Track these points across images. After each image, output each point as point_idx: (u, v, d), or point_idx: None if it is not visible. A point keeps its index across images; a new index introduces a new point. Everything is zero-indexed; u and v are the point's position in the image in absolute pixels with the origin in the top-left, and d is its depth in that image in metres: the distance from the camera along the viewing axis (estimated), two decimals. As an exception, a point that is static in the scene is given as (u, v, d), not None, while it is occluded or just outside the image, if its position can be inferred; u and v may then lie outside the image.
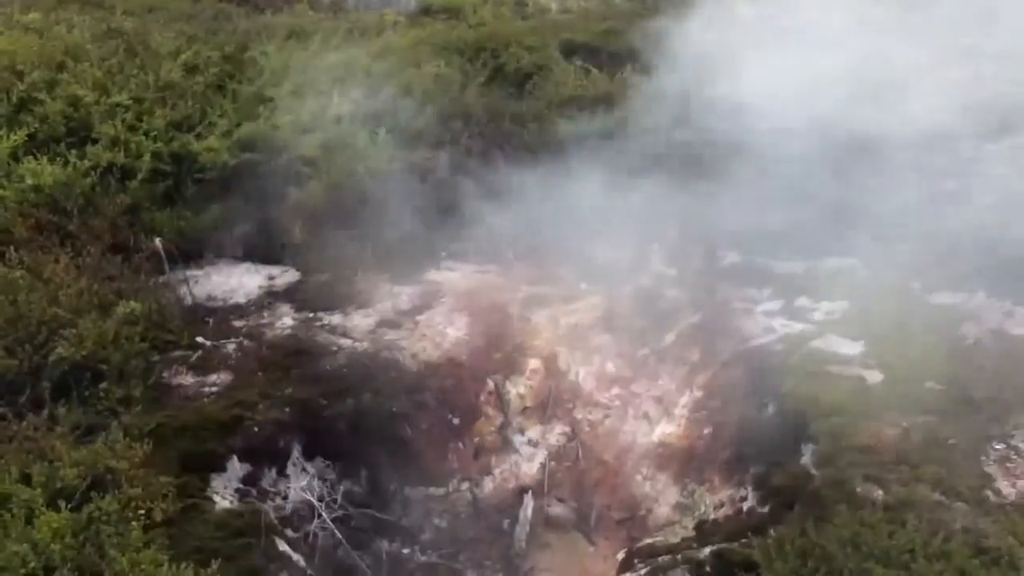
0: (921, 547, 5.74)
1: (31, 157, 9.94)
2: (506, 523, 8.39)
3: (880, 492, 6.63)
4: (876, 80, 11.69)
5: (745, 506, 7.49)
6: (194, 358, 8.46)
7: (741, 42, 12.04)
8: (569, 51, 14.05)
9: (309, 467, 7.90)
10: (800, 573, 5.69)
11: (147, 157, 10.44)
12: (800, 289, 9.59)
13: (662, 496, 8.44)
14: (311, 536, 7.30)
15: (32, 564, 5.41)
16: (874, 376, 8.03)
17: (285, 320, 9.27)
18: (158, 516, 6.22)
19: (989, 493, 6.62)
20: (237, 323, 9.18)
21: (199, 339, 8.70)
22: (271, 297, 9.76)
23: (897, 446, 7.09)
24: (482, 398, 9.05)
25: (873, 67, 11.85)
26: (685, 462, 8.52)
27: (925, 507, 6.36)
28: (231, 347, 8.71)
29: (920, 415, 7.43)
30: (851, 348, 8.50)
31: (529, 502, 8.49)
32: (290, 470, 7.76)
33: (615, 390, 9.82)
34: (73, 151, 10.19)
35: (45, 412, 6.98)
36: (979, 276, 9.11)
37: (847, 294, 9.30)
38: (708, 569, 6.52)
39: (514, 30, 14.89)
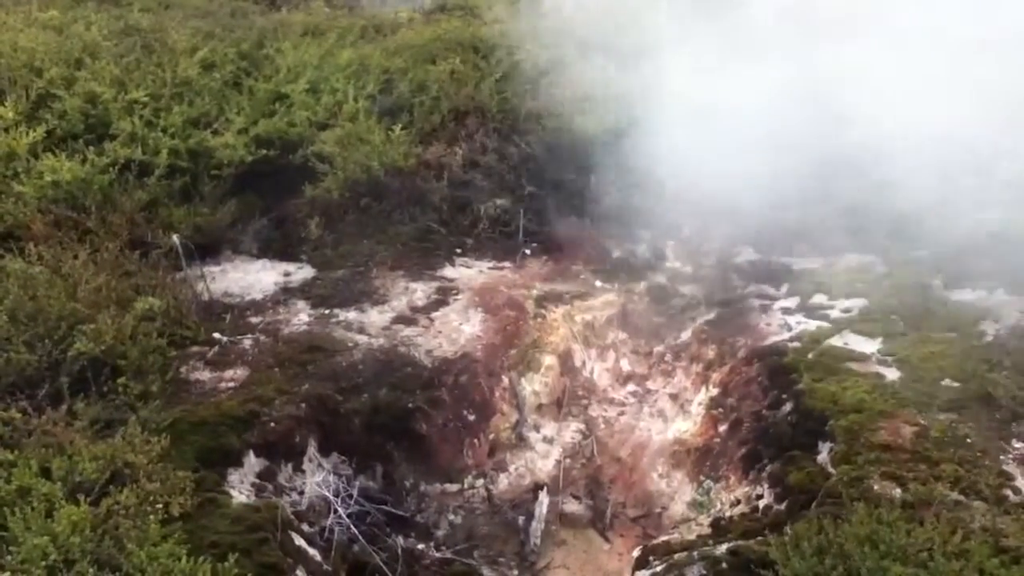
0: (939, 546, 5.69)
1: (50, 153, 9.99)
2: (521, 520, 8.37)
3: (898, 490, 6.60)
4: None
5: (762, 504, 7.46)
6: (211, 354, 8.51)
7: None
8: (585, 48, 13.96)
9: (325, 462, 7.92)
10: (817, 571, 5.65)
11: (164, 153, 10.50)
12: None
13: (678, 493, 8.43)
14: (327, 531, 7.31)
15: (52, 557, 5.43)
16: (892, 373, 8.00)
17: (301, 316, 9.29)
18: (175, 510, 6.23)
19: (1008, 491, 6.58)
20: (254, 319, 9.22)
21: (216, 335, 8.74)
22: (287, 293, 9.78)
23: (915, 444, 7.06)
24: (497, 395, 9.04)
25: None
26: (701, 459, 8.50)
27: (944, 505, 6.32)
28: (248, 343, 8.74)
29: (938, 413, 7.41)
30: (869, 345, 8.47)
31: (544, 499, 8.48)
32: (306, 465, 7.78)
33: (630, 387, 9.85)
34: (91, 147, 10.25)
35: (64, 407, 7.00)
36: (998, 273, 9.07)
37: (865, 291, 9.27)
38: (724, 566, 6.49)
39: (529, 27, 14.84)
